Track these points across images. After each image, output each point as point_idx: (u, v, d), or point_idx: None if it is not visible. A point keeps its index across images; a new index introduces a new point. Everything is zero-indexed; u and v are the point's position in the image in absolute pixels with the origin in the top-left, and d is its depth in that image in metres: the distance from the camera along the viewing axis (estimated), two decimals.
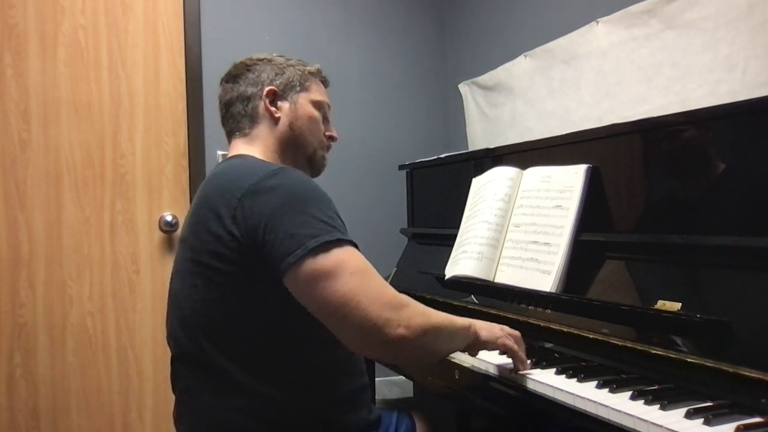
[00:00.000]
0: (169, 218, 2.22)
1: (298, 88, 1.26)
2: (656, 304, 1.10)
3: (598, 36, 1.88)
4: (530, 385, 1.09)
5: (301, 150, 1.26)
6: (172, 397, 1.16)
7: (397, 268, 2.03)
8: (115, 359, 2.17)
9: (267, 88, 1.22)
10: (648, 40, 1.72)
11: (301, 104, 1.25)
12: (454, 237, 1.67)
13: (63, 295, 2.10)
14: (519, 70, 2.24)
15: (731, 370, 0.92)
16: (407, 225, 2.21)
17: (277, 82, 1.24)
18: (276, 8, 2.44)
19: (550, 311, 1.32)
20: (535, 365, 1.16)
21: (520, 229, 1.47)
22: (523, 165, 1.56)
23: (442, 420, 1.83)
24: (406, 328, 0.94)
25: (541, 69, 2.13)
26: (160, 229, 2.23)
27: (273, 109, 1.22)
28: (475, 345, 1.09)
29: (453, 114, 2.71)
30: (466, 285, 1.56)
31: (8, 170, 2.04)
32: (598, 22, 1.87)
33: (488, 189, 1.61)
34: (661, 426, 0.84)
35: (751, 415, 0.85)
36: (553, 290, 1.31)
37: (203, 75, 2.29)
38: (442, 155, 2.05)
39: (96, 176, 2.15)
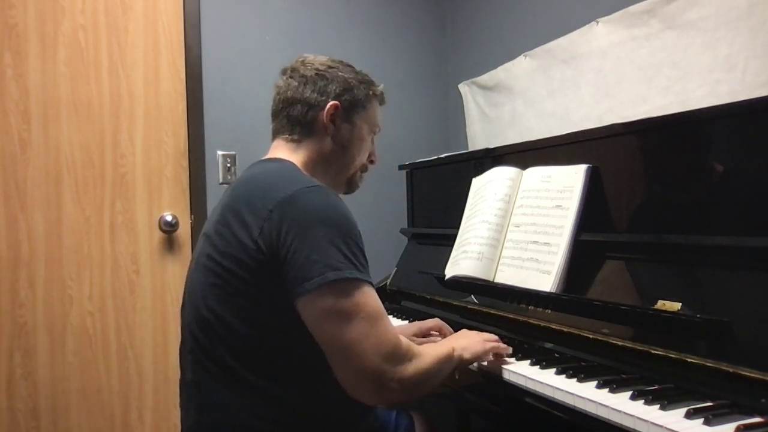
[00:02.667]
0: (169, 218, 2.22)
1: (360, 109, 1.22)
2: (656, 304, 1.10)
3: (598, 36, 1.88)
4: (530, 385, 1.09)
5: (343, 170, 1.25)
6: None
7: (397, 268, 2.03)
8: (115, 359, 2.17)
9: (331, 102, 1.18)
10: (648, 40, 1.72)
11: (358, 126, 1.22)
12: (454, 237, 1.67)
13: (63, 295, 2.10)
14: (519, 70, 2.24)
15: (731, 370, 0.92)
16: (407, 225, 2.20)
17: (343, 98, 1.19)
18: (276, 8, 2.44)
19: (550, 311, 1.32)
20: (534, 365, 1.16)
21: (520, 229, 1.47)
22: (523, 165, 1.56)
23: (442, 419, 1.83)
24: (399, 383, 0.97)
25: (541, 69, 2.13)
26: (160, 229, 2.22)
27: (331, 126, 1.19)
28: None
29: (453, 114, 2.71)
30: (466, 285, 1.56)
31: (8, 170, 2.04)
32: (598, 22, 1.87)
33: (488, 189, 1.61)
34: (661, 426, 0.84)
35: (751, 415, 0.85)
36: (553, 290, 1.31)
37: (203, 75, 2.29)
38: (442, 155, 2.05)
39: (96, 176, 2.15)
